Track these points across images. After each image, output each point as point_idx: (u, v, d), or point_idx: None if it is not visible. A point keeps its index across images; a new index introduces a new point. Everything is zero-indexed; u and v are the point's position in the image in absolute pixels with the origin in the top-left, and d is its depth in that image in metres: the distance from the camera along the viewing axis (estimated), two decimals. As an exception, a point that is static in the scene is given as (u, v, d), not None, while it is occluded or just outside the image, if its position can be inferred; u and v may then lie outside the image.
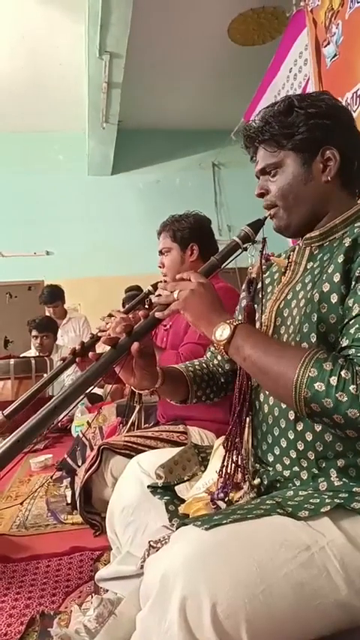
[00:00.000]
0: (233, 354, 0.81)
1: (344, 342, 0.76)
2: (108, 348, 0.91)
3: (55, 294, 4.31)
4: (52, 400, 0.87)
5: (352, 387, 0.67)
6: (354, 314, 0.75)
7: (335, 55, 2.74)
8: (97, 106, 4.71)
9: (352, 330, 0.74)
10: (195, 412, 1.54)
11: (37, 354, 3.91)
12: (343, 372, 0.69)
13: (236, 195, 6.02)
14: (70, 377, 3.32)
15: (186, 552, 0.65)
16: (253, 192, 0.99)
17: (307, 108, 0.89)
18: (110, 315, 1.47)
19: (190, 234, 1.70)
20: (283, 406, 0.84)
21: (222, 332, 0.81)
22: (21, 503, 1.98)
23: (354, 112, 2.47)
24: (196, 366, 1.13)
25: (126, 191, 6.14)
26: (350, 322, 0.75)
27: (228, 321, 0.82)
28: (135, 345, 0.90)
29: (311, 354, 0.73)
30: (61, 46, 4.49)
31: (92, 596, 1.08)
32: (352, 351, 0.73)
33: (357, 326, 0.74)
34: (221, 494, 0.87)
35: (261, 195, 0.97)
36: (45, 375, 3.30)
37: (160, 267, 1.77)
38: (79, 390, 0.87)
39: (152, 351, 0.99)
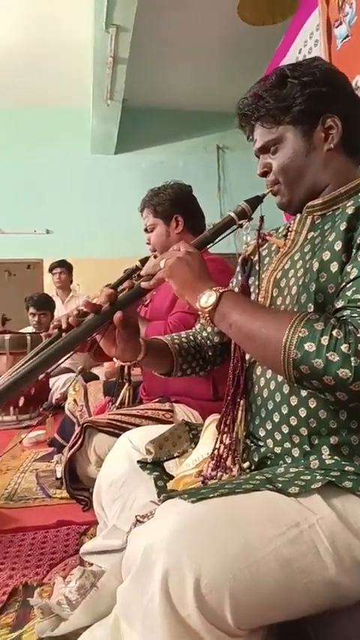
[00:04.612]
0: (219, 321, 0.79)
1: (339, 304, 0.73)
2: None
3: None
4: (27, 363, 0.84)
5: (343, 347, 0.65)
6: (352, 277, 0.72)
7: (347, 36, 2.67)
8: (101, 81, 4.62)
9: (348, 293, 0.72)
10: (179, 389, 1.52)
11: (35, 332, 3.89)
12: (334, 332, 0.66)
13: (240, 180, 5.94)
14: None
15: (170, 525, 0.63)
16: (256, 177, 0.96)
17: (301, 77, 0.85)
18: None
19: (171, 206, 1.68)
20: (279, 379, 0.82)
21: (207, 299, 0.79)
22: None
23: (364, 94, 2.41)
24: (183, 339, 1.10)
25: (128, 171, 6.05)
26: (347, 285, 0.73)
27: (214, 289, 0.80)
28: (118, 314, 0.88)
29: (302, 315, 0.71)
30: (66, 18, 4.37)
31: (75, 569, 1.07)
32: (347, 312, 0.70)
33: (354, 288, 0.71)
34: (213, 473, 0.85)
35: (264, 174, 0.93)
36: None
37: (147, 243, 1.75)
38: (57, 355, 0.85)
39: (136, 322, 0.97)
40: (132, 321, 0.94)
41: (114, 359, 1.02)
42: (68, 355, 0.87)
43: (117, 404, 1.72)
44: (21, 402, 3.06)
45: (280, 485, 0.69)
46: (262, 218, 0.98)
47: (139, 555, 0.63)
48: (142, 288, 0.90)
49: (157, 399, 1.58)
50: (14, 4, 4.19)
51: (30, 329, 4.01)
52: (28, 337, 3.50)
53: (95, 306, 0.89)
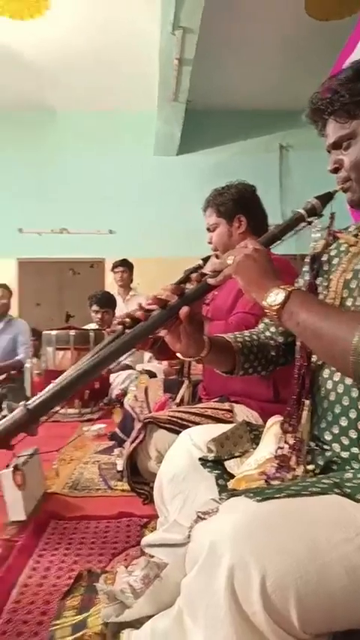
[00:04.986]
0: (286, 319, 0.78)
1: None
2: None
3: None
4: (93, 356, 0.86)
5: None
6: None
7: None
8: (167, 83, 4.67)
9: None
10: (239, 389, 1.51)
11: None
12: None
13: (303, 180, 5.81)
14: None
15: (236, 522, 0.64)
16: (320, 176, 0.94)
17: None
18: None
19: (234, 205, 1.68)
20: (347, 382, 0.80)
21: (275, 297, 0.78)
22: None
23: None
24: (246, 337, 1.09)
25: (190, 172, 6.08)
26: None
27: (282, 286, 0.79)
28: (185, 309, 0.89)
29: None
30: (132, 20, 4.45)
31: (140, 559, 1.10)
32: None
33: None
34: (277, 475, 0.85)
35: (335, 170, 0.92)
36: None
37: (209, 243, 1.75)
38: (124, 348, 0.87)
39: (201, 318, 0.98)
40: (197, 317, 0.95)
41: (177, 354, 1.03)
42: (134, 350, 0.90)
43: (177, 401, 1.74)
44: (86, 395, 3.17)
45: (348, 490, 0.68)
46: (332, 215, 0.97)
47: (205, 549, 0.64)
48: (209, 284, 0.91)
49: (216, 399, 1.59)
50: (81, 6, 4.31)
51: (93, 326, 4.14)
52: (92, 333, 3.63)
53: (162, 300, 0.90)
